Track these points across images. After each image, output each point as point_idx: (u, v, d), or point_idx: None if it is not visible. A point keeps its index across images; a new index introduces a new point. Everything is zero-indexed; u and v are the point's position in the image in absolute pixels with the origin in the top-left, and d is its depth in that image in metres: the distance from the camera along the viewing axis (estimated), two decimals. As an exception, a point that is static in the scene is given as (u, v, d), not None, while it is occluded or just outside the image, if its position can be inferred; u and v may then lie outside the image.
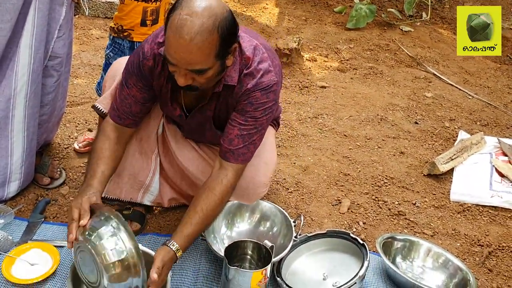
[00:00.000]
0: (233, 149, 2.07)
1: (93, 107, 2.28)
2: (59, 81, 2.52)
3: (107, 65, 2.66)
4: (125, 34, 2.61)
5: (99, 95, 2.72)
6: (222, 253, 2.18)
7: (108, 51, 2.70)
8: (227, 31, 1.81)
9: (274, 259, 2.04)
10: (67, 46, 2.48)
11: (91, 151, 2.14)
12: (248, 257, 2.13)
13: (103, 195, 2.28)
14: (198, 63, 1.80)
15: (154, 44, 2.01)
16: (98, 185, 2.00)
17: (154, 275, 1.82)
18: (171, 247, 1.94)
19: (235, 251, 2.08)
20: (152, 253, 2.04)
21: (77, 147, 2.91)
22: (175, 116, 2.22)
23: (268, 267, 1.97)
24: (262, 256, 2.07)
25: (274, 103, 2.08)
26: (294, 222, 2.32)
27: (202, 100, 2.10)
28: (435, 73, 4.55)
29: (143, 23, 2.57)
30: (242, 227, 2.40)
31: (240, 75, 2.00)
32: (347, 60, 4.64)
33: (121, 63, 2.27)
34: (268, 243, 2.05)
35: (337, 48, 4.81)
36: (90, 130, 3.11)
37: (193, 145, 2.37)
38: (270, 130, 2.43)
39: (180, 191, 2.47)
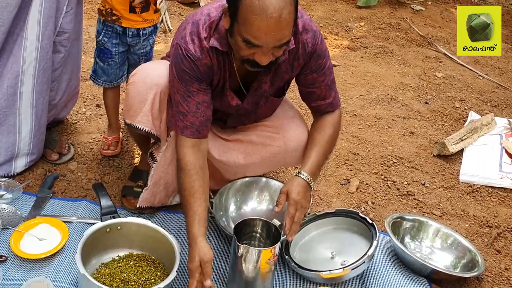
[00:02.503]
0: (330, 101, 2.19)
1: (132, 127, 2.20)
2: (66, 57, 2.49)
3: (101, 51, 2.53)
4: (114, 18, 2.45)
5: (98, 84, 2.63)
6: (231, 230, 2.18)
7: (101, 37, 2.51)
8: None
9: (282, 238, 2.03)
10: (74, 22, 2.44)
11: (179, 186, 2.05)
12: (257, 235, 2.12)
13: (138, 205, 2.33)
14: (286, 36, 1.79)
15: (199, 41, 1.93)
16: (199, 231, 1.91)
17: (275, 208, 2.02)
18: (301, 176, 2.07)
19: (244, 229, 2.08)
20: (163, 230, 2.04)
21: (109, 151, 2.73)
22: (231, 107, 2.16)
23: (277, 246, 1.97)
24: (271, 234, 2.07)
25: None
26: None
27: (255, 77, 2.07)
28: (446, 53, 4.50)
29: (131, 10, 2.42)
30: (251, 205, 2.40)
31: (296, 35, 1.99)
32: (358, 38, 4.59)
33: (144, 74, 2.16)
34: (276, 222, 2.05)
35: (348, 26, 4.76)
36: (98, 105, 3.09)
37: (227, 137, 2.33)
38: (286, 97, 2.41)
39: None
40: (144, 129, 2.19)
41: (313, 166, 2.12)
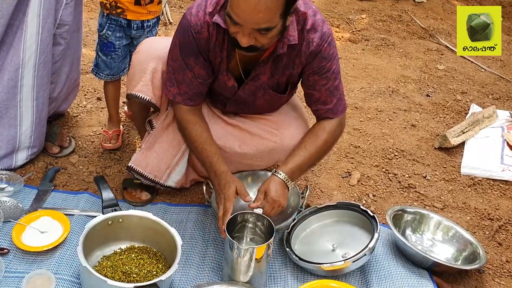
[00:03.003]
0: (331, 108, 2.17)
1: (133, 96, 2.20)
2: (66, 49, 2.49)
3: (104, 45, 2.53)
4: (118, 11, 2.44)
5: (100, 78, 2.63)
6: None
7: (104, 30, 2.50)
8: None
9: (277, 226, 2.06)
10: (74, 14, 2.43)
11: (190, 142, 2.16)
12: (249, 224, 2.12)
13: (129, 164, 2.32)
14: (265, 21, 1.79)
15: (203, 14, 1.97)
16: (225, 168, 2.09)
17: (252, 204, 2.04)
18: (278, 175, 2.09)
19: (236, 220, 2.07)
20: (164, 223, 2.04)
21: (110, 145, 2.73)
22: (227, 88, 2.18)
23: (272, 240, 1.97)
24: (265, 223, 2.07)
25: (336, 48, 2.13)
26: (302, 193, 2.32)
27: (255, 66, 2.08)
28: (448, 45, 4.49)
29: (137, 2, 2.42)
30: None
31: (302, 32, 2.00)
32: (359, 31, 4.58)
33: (148, 46, 2.22)
34: (258, 211, 2.05)
35: (349, 18, 4.75)
36: (99, 98, 3.09)
37: (229, 121, 2.34)
38: (295, 95, 2.45)
39: (202, 172, 2.45)
40: (144, 98, 2.19)
41: (293, 167, 2.12)
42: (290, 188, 2.12)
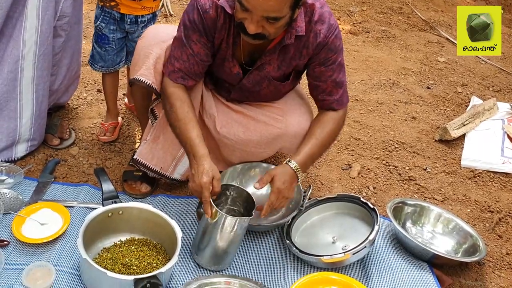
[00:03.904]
0: (336, 99, 2.18)
1: (134, 80, 2.18)
2: (66, 41, 2.48)
3: (99, 37, 2.53)
4: (112, 4, 2.43)
5: (95, 69, 2.62)
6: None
7: (99, 22, 2.51)
8: None
9: (277, 223, 2.08)
10: (74, 5, 2.42)
11: (172, 119, 2.10)
12: (228, 199, 2.12)
13: (135, 157, 2.31)
14: (275, 10, 1.79)
15: None
16: (205, 151, 2.01)
17: (256, 184, 2.06)
18: (290, 164, 2.08)
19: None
20: (164, 215, 2.04)
21: (105, 138, 2.71)
22: (232, 75, 2.17)
23: (254, 214, 1.98)
24: (243, 200, 2.07)
25: (342, 41, 2.13)
26: (304, 192, 2.31)
27: (260, 55, 2.08)
28: (448, 37, 4.48)
29: None
30: (250, 190, 2.39)
31: (310, 24, 2.00)
32: (360, 23, 4.56)
33: (154, 31, 2.23)
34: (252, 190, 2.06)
35: (350, 10, 4.73)
36: (99, 90, 3.08)
37: (234, 107, 2.32)
38: (299, 85, 2.45)
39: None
40: (145, 82, 2.17)
41: (305, 157, 2.12)
42: (300, 179, 2.12)
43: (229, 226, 1.97)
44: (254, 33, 1.86)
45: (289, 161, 2.10)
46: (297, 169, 2.08)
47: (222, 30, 2.03)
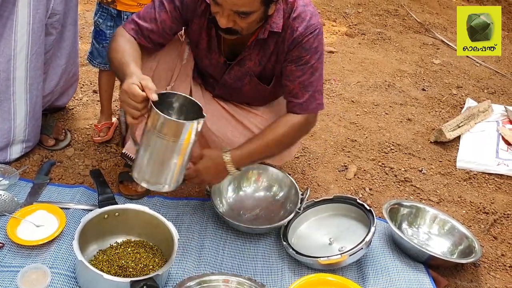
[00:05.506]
0: (301, 102, 2.08)
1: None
2: (60, 41, 2.46)
3: (97, 33, 2.52)
4: (109, 0, 2.43)
5: (94, 65, 2.61)
6: (228, 217, 2.19)
7: (96, 17, 2.51)
8: None
9: (274, 225, 2.03)
10: (65, 2, 2.40)
11: (112, 52, 1.97)
12: (171, 108, 1.90)
13: (123, 151, 2.30)
14: (244, 4, 1.79)
15: None
16: (138, 70, 1.82)
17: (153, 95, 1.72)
18: (224, 156, 2.04)
19: (161, 102, 1.78)
20: (161, 217, 2.04)
21: (99, 138, 2.70)
22: (214, 66, 2.17)
23: (202, 121, 1.78)
24: (190, 106, 1.88)
25: (323, 45, 2.08)
26: (302, 195, 2.31)
27: (241, 50, 2.08)
28: (443, 39, 4.49)
29: None
30: (248, 191, 2.40)
31: (288, 20, 1.99)
32: (355, 25, 4.57)
33: None
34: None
35: (345, 12, 4.74)
36: (95, 91, 3.07)
37: (222, 104, 2.32)
38: None
39: None
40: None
41: (244, 153, 2.07)
42: (231, 172, 2.07)
43: (169, 130, 1.76)
44: (225, 27, 1.86)
45: (225, 151, 2.06)
46: (229, 162, 2.04)
47: (202, 17, 2.03)
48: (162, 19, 2.03)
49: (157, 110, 1.71)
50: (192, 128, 1.77)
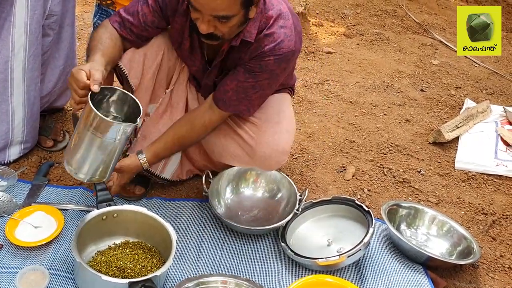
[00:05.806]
0: (225, 99, 2.11)
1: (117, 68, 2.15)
2: (58, 42, 2.46)
3: None
4: (108, 2, 2.45)
5: None
6: (225, 217, 2.19)
7: (96, 19, 2.53)
8: None
9: (272, 226, 2.04)
10: (62, 3, 2.40)
11: (90, 40, 2.05)
12: (107, 104, 1.94)
13: (127, 152, 2.32)
14: (223, 9, 1.78)
15: None
16: (100, 59, 1.90)
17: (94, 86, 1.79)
18: (139, 157, 2.18)
19: (97, 95, 1.84)
20: (159, 218, 2.03)
21: None
22: (197, 67, 2.18)
23: (139, 121, 1.85)
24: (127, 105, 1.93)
25: (283, 71, 2.06)
26: (300, 196, 2.31)
27: (220, 55, 2.08)
28: (442, 40, 4.49)
29: None
30: (246, 192, 2.40)
31: (259, 34, 1.98)
32: (354, 25, 4.57)
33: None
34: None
35: (344, 13, 4.74)
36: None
37: None
38: (288, 97, 2.42)
39: (197, 163, 2.44)
40: (121, 67, 2.14)
41: (157, 149, 2.21)
42: (145, 168, 2.22)
43: (97, 125, 1.78)
44: (206, 33, 1.86)
45: (140, 152, 2.19)
46: (145, 162, 2.18)
47: (184, 17, 2.03)
48: (143, 12, 2.05)
49: (90, 102, 1.75)
50: (118, 130, 1.81)
